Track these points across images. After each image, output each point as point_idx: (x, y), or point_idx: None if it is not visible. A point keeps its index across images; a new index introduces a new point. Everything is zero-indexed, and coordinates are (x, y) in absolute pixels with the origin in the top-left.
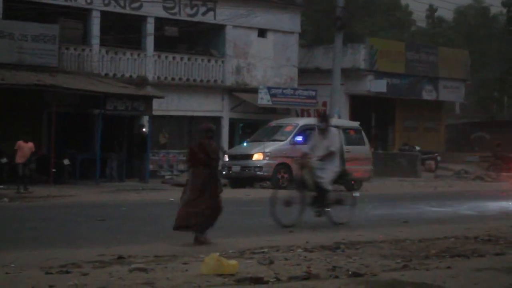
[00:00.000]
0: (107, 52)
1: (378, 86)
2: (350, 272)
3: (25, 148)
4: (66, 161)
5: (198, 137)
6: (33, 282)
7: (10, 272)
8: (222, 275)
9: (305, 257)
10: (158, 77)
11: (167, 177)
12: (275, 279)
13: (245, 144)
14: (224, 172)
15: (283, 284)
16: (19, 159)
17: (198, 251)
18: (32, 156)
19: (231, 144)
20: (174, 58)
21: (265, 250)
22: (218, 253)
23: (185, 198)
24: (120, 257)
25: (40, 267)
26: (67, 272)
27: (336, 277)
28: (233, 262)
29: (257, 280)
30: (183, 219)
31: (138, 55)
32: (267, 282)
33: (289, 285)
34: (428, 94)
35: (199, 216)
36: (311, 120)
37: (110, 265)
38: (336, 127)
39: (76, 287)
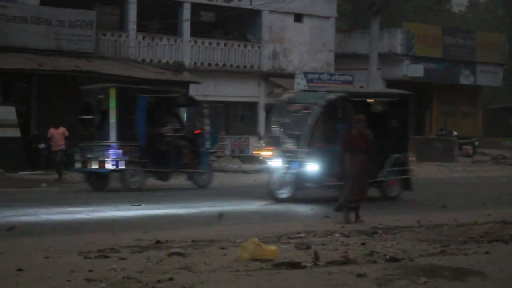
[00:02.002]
0: (143, 38)
1: (415, 70)
2: (387, 257)
3: (56, 135)
4: None
5: (356, 125)
6: (72, 267)
7: (49, 257)
8: (259, 260)
9: (342, 242)
10: (195, 63)
11: None
12: (312, 264)
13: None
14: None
15: (321, 269)
16: (54, 147)
17: (235, 236)
18: (68, 140)
19: (268, 130)
20: (210, 43)
21: (302, 235)
22: (255, 238)
23: (347, 182)
24: (157, 242)
25: (78, 251)
26: (105, 257)
27: (374, 262)
28: (272, 247)
29: (295, 265)
30: (349, 200)
31: (175, 40)
32: (304, 267)
33: (327, 270)
34: (465, 78)
35: (352, 196)
36: None
37: (148, 250)
38: None
39: (114, 272)
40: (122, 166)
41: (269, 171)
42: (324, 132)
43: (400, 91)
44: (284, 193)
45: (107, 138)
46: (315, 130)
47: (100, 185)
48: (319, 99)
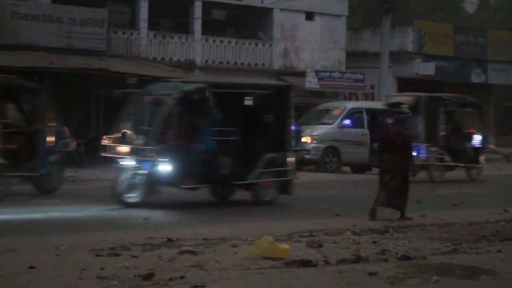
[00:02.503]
0: (155, 36)
1: (426, 69)
2: (399, 256)
3: None
4: None
5: (395, 125)
6: (84, 264)
7: (60, 254)
8: (271, 258)
9: (354, 240)
10: (206, 61)
11: None
12: (324, 262)
13: (292, 127)
14: None
15: (332, 267)
16: None
17: (246, 234)
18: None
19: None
20: (221, 41)
21: (314, 233)
22: (269, 236)
23: (386, 180)
24: (169, 240)
25: (89, 249)
26: (117, 255)
27: (385, 260)
28: (285, 246)
29: (306, 263)
30: (389, 199)
31: (186, 39)
32: (316, 265)
33: (338, 268)
34: (476, 77)
35: (396, 196)
36: (359, 104)
37: (159, 248)
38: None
39: (126, 269)
40: None
41: (116, 172)
42: (179, 128)
43: (278, 82)
44: (133, 197)
45: None
46: (168, 125)
47: None
48: (173, 91)
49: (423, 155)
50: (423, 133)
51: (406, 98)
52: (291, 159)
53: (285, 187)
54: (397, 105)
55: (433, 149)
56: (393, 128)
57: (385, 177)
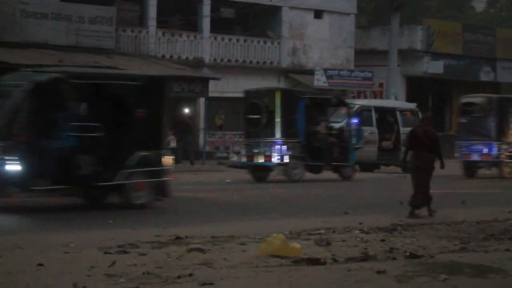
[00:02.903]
0: (163, 34)
1: (435, 67)
2: (407, 254)
3: None
4: None
5: (421, 123)
6: (92, 262)
7: (69, 252)
8: (280, 256)
9: (362, 238)
10: (214, 59)
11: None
12: (332, 260)
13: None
14: None
15: (341, 265)
16: None
17: (255, 232)
18: None
19: None
20: (230, 39)
21: (322, 231)
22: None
23: (416, 179)
24: (177, 238)
25: (98, 247)
26: (125, 252)
27: (394, 258)
28: (296, 245)
29: (315, 261)
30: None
31: (195, 37)
32: (324, 263)
33: (347, 266)
34: (485, 75)
35: (424, 194)
36: (368, 102)
37: (167, 246)
38: (393, 108)
39: (134, 267)
40: (286, 160)
41: None
42: (31, 123)
43: (150, 73)
44: None
45: (272, 135)
46: (18, 119)
47: (262, 177)
48: (23, 81)
49: (495, 152)
50: (494, 132)
51: (478, 99)
52: (168, 158)
53: (161, 189)
54: (469, 104)
55: (504, 147)
56: (419, 127)
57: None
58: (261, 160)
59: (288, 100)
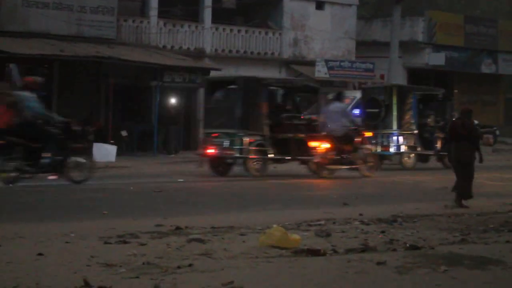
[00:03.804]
0: (165, 24)
1: (436, 59)
2: (407, 245)
3: None
4: (124, 133)
5: (461, 116)
6: (92, 252)
7: (69, 241)
8: (279, 247)
9: (362, 229)
10: (216, 50)
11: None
12: (332, 251)
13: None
14: None
15: (341, 256)
16: None
17: (255, 223)
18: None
19: None
20: (231, 30)
21: (322, 222)
22: (275, 225)
23: (457, 171)
24: (177, 228)
25: (98, 237)
26: (125, 242)
27: (394, 250)
28: (296, 236)
29: (314, 252)
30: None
31: (196, 27)
32: (324, 254)
33: (347, 257)
34: (487, 67)
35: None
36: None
37: (167, 236)
38: None
39: (134, 257)
40: (402, 150)
41: None
42: None
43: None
44: None
45: (390, 127)
46: None
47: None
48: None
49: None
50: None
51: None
52: None
53: None
54: None
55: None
56: (459, 120)
57: (456, 165)
58: (379, 149)
59: (402, 95)
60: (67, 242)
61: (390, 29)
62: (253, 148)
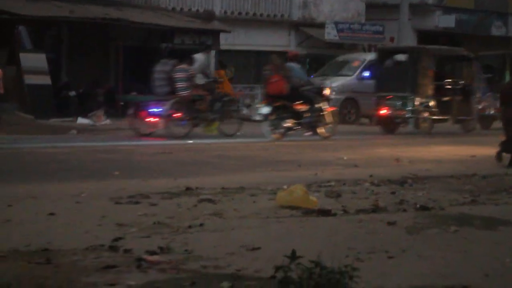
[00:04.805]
0: None
1: (446, 21)
2: (417, 206)
3: None
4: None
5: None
6: (103, 212)
7: (80, 202)
8: (290, 207)
9: (373, 191)
10: (225, 12)
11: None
12: (342, 212)
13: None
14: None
15: (351, 216)
16: None
17: (265, 183)
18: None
19: None
20: None
21: (332, 183)
22: (297, 184)
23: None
24: (188, 189)
25: (109, 197)
26: (136, 203)
27: (404, 210)
28: (313, 198)
29: (325, 213)
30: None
31: None
32: (334, 215)
33: (357, 217)
34: (497, 29)
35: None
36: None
37: (178, 196)
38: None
39: (145, 217)
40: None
41: None
42: None
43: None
44: None
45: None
46: None
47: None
48: None
49: None
50: None
51: None
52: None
53: None
54: None
55: None
56: (508, 84)
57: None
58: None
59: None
60: (77, 202)
61: None
62: (422, 108)
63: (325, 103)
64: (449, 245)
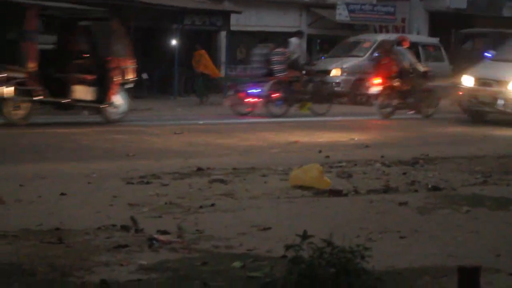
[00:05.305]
0: None
1: (458, 2)
2: (429, 186)
3: None
4: (144, 76)
5: None
6: (115, 192)
7: (91, 182)
8: (301, 187)
9: (384, 171)
10: None
11: None
12: (354, 192)
13: (323, 59)
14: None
15: (362, 196)
16: None
17: (276, 164)
18: None
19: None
20: None
21: (343, 164)
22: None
23: None
24: (199, 169)
25: (121, 177)
26: (148, 183)
27: (415, 191)
28: (327, 179)
29: (336, 193)
30: None
31: None
32: (346, 195)
33: (368, 197)
34: (508, 11)
35: None
36: (390, 36)
37: (189, 177)
38: (415, 43)
39: (157, 197)
40: None
41: None
42: None
43: None
44: None
45: None
46: None
47: None
48: None
49: None
50: None
51: None
52: None
53: None
54: None
55: None
56: None
57: None
58: None
59: None
60: (89, 183)
61: None
62: None
63: (428, 84)
64: (461, 226)
